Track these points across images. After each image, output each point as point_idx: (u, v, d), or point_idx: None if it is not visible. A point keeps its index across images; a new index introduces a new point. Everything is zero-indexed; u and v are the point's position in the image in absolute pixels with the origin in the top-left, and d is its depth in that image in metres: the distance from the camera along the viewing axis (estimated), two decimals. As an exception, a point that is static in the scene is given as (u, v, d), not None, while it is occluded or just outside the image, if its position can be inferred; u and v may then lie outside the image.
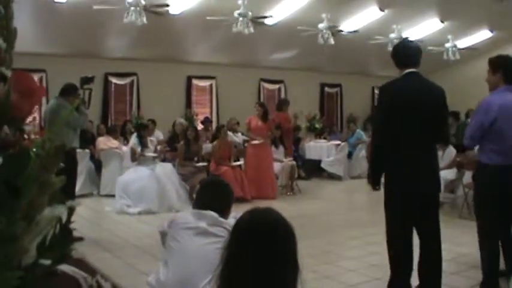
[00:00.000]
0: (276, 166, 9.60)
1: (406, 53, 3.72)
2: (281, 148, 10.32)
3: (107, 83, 12.20)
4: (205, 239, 2.77)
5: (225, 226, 2.77)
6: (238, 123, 11.02)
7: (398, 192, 3.59)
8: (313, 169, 12.09)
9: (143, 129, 8.82)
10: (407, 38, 10.19)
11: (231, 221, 2.82)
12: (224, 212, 2.92)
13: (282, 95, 14.64)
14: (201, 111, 13.38)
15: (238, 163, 9.34)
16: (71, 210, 1.03)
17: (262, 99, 13.41)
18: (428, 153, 3.61)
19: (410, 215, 3.61)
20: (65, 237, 1.00)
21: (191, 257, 2.73)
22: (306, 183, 10.77)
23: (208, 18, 9.54)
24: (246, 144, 10.29)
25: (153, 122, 10.61)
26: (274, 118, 10.22)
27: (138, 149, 8.43)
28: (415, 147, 3.52)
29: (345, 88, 15.75)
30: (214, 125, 12.81)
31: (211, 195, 2.98)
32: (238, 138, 10.81)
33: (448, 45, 12.94)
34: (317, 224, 7.20)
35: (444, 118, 3.66)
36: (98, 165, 9.61)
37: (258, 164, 9.17)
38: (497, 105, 3.72)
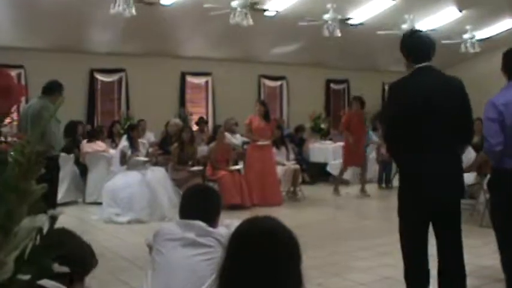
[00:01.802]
0: (278, 170, 9.59)
1: (417, 44, 3.65)
2: (283, 150, 10.31)
3: (92, 80, 12.21)
4: (193, 250, 2.80)
5: (215, 236, 2.80)
6: (236, 123, 11.01)
7: (415, 198, 3.57)
8: (318, 173, 12.08)
9: (132, 130, 8.77)
10: (417, 28, 10.12)
11: (221, 230, 2.84)
12: (212, 221, 2.93)
13: (284, 93, 14.65)
14: (196, 111, 13.39)
15: (237, 167, 9.32)
16: (53, 220, 1.03)
17: (262, 97, 13.42)
18: (450, 155, 3.58)
19: (427, 223, 3.59)
20: (46, 250, 1.00)
21: (177, 270, 2.76)
22: (310, 188, 10.76)
23: (204, 6, 9.51)
24: (245, 147, 10.28)
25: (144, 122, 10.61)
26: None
27: (129, 152, 8.41)
28: (435, 149, 3.48)
29: (353, 85, 15.75)
30: (210, 125, 12.83)
31: (198, 204, 2.99)
32: (237, 139, 10.79)
33: (466, 36, 12.93)
34: (323, 232, 7.20)
35: (467, 113, 3.60)
36: (83, 170, 9.61)
37: (262, 167, 9.13)
38: (502, 103, 3.69)
